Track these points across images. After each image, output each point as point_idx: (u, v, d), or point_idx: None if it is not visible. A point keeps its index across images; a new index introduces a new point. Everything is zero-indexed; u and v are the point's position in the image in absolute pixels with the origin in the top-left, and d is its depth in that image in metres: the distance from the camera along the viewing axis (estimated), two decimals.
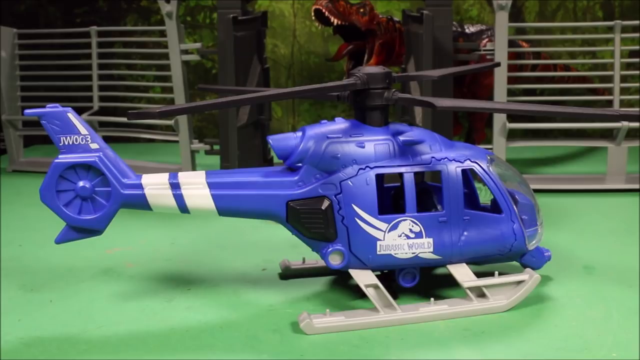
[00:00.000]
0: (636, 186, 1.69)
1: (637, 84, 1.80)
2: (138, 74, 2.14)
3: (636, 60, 1.76)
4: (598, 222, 1.50)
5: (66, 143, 1.03)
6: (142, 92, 2.09)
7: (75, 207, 1.04)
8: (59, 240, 1.07)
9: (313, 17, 1.72)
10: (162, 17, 1.80)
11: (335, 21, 1.70)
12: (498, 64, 1.56)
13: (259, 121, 1.70)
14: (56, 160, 1.03)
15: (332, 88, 1.09)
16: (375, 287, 1.08)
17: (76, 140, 1.03)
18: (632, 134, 1.73)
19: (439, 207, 1.13)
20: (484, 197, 1.18)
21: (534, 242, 1.15)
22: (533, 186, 1.26)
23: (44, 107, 1.02)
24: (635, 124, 1.67)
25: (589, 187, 1.72)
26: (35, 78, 2.03)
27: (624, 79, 1.77)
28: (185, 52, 1.81)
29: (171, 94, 1.84)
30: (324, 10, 1.69)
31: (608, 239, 1.40)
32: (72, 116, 1.02)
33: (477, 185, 1.18)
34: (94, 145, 1.04)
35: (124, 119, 1.85)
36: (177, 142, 1.85)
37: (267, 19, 1.79)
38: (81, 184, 1.04)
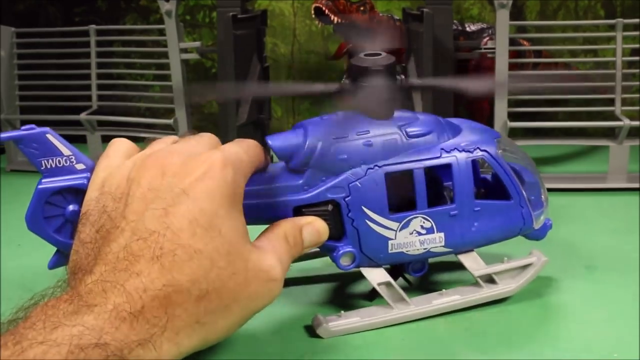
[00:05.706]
0: (638, 185, 1.69)
1: (638, 83, 1.79)
2: (137, 73, 2.13)
3: (638, 58, 1.76)
4: (599, 222, 1.49)
5: (48, 166, 0.92)
6: (141, 91, 2.08)
7: (67, 233, 0.94)
8: (52, 266, 0.98)
9: (313, 16, 1.72)
10: (161, 16, 1.79)
11: (336, 19, 1.70)
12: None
13: (258, 120, 1.70)
14: (40, 186, 0.92)
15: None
16: (388, 284, 1.07)
17: (59, 163, 0.92)
18: (633, 133, 1.72)
19: (445, 193, 1.11)
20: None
21: (540, 219, 1.14)
22: None
23: (26, 124, 0.92)
24: (636, 123, 1.67)
25: (590, 186, 1.71)
26: (34, 77, 2.03)
27: (625, 77, 1.77)
28: (185, 51, 1.81)
29: (170, 93, 1.84)
30: (324, 9, 1.68)
31: (609, 238, 1.39)
32: (51, 137, 0.92)
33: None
34: (79, 166, 0.93)
35: (123, 118, 1.84)
36: None
37: (266, 17, 1.79)
38: (71, 208, 0.94)
